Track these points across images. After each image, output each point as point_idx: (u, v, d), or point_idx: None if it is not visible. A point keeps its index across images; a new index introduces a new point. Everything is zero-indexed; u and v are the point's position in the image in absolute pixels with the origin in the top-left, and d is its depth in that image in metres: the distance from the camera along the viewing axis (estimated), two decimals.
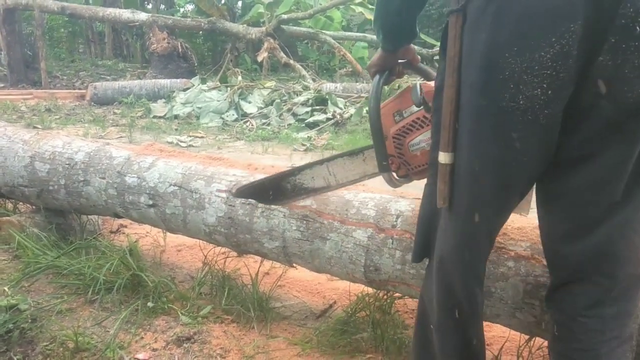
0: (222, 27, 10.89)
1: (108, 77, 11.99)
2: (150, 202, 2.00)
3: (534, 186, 1.02)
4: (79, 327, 1.75)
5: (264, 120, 7.21)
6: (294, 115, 7.21)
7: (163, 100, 8.58)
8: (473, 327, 1.12)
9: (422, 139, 1.27)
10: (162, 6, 16.05)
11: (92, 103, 8.84)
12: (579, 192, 0.94)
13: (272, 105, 7.57)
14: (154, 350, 1.68)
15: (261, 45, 10.50)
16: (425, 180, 1.17)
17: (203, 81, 8.81)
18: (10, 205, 2.78)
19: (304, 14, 10.87)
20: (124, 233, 2.75)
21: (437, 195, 1.02)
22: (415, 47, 1.47)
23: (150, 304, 1.89)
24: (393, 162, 1.32)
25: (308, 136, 6.30)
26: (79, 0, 13.96)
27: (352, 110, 7.04)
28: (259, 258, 2.02)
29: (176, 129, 6.85)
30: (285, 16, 10.66)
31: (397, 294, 1.77)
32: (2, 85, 10.84)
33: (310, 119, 6.99)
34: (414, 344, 1.26)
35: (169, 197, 1.95)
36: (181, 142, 5.93)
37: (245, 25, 11.40)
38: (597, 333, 0.98)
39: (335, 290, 2.15)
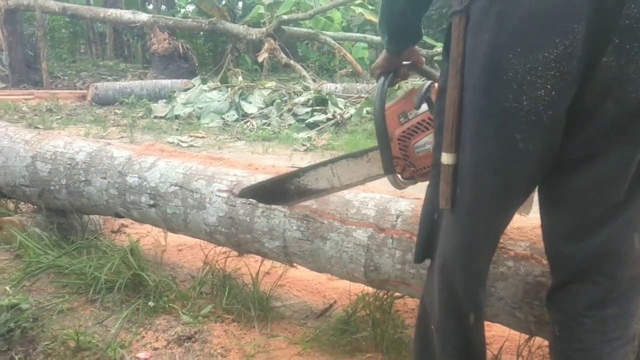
0: (223, 27, 10.90)
1: (109, 78, 12.01)
2: (151, 202, 2.00)
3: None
4: (80, 326, 1.75)
5: (264, 121, 7.22)
6: (295, 115, 7.21)
7: (164, 100, 8.59)
8: (475, 328, 1.12)
9: (427, 140, 1.26)
10: (163, 7, 16.08)
11: (93, 103, 8.85)
12: (581, 192, 0.94)
13: (272, 105, 7.58)
14: (155, 349, 1.69)
15: (262, 46, 10.50)
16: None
17: (204, 81, 8.82)
18: (11, 205, 2.79)
19: (304, 15, 10.88)
20: (125, 233, 2.76)
21: (440, 196, 1.02)
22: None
23: (151, 303, 1.89)
24: (398, 164, 1.32)
25: (308, 136, 6.30)
26: (80, 1, 13.99)
27: (352, 111, 7.05)
28: (259, 258, 2.02)
29: (177, 129, 6.85)
30: (285, 17, 10.66)
31: (397, 294, 1.77)
32: (3, 85, 10.86)
33: (311, 119, 7.00)
34: (415, 344, 1.26)
35: (170, 197, 1.95)
36: (182, 142, 5.94)
37: (245, 25, 11.41)
38: (598, 333, 0.98)
39: (335, 290, 2.16)
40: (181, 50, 11.06)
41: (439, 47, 9.15)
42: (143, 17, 11.02)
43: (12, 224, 2.41)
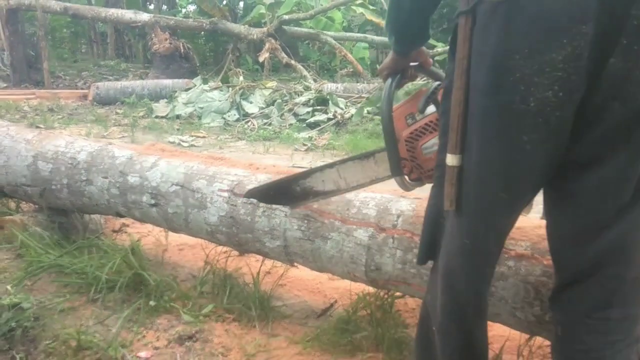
0: (224, 27, 10.91)
1: (110, 77, 12.02)
2: (153, 202, 2.01)
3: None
4: (81, 325, 1.76)
5: (265, 120, 7.22)
6: (295, 115, 7.22)
7: (165, 100, 8.59)
8: (477, 330, 1.11)
9: (435, 142, 1.24)
10: (164, 7, 16.09)
11: (95, 103, 8.86)
12: (588, 194, 0.93)
13: (273, 105, 7.58)
14: (156, 348, 1.69)
15: (262, 46, 10.50)
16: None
17: (205, 81, 8.82)
18: (13, 205, 2.79)
19: (305, 15, 10.88)
20: (126, 232, 2.76)
21: (445, 197, 1.01)
22: None
23: (152, 303, 1.89)
24: (405, 166, 1.30)
25: (309, 136, 6.31)
26: (82, 1, 14.00)
27: (353, 111, 7.05)
28: (260, 257, 2.02)
29: (178, 129, 6.86)
30: (286, 17, 10.66)
31: (397, 293, 1.77)
32: (5, 85, 10.87)
33: (312, 119, 7.00)
34: (416, 345, 1.26)
35: (171, 196, 1.96)
36: (183, 142, 5.94)
37: (246, 25, 11.41)
38: (602, 335, 0.97)
39: (336, 290, 2.16)
40: (182, 50, 11.06)
41: (440, 47, 9.14)
42: (144, 17, 11.03)
43: (13, 223, 2.41)
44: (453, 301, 1.07)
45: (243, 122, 7.17)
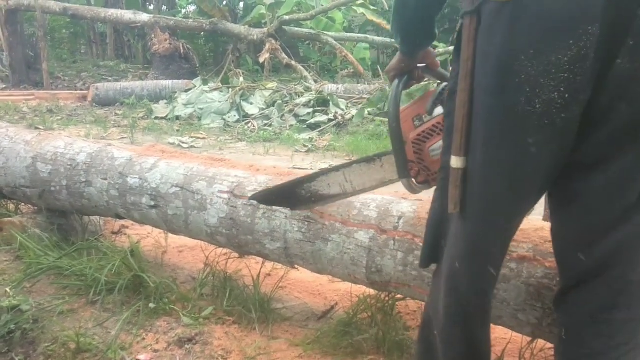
0: (224, 28, 10.90)
1: (110, 78, 12.01)
2: (152, 203, 2.00)
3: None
4: (80, 328, 1.75)
5: (265, 122, 7.22)
6: (296, 116, 7.21)
7: (165, 101, 8.59)
8: (480, 333, 1.10)
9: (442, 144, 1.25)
10: (164, 7, 16.08)
11: (94, 104, 8.85)
12: (594, 195, 0.92)
13: (273, 106, 7.58)
14: (156, 351, 1.68)
15: (263, 47, 10.50)
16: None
17: (205, 82, 8.82)
18: (12, 206, 2.79)
19: (305, 15, 10.87)
20: (125, 234, 2.76)
21: (449, 200, 1.00)
22: None
23: (151, 305, 1.89)
24: (412, 168, 1.29)
25: (310, 137, 6.30)
26: (81, 1, 14.00)
27: (353, 112, 7.04)
28: (260, 259, 2.02)
29: (178, 130, 6.85)
30: (286, 17, 10.66)
31: (398, 296, 1.77)
32: (4, 86, 10.86)
33: (312, 120, 7.00)
34: (417, 349, 1.25)
35: (170, 198, 1.95)
36: (183, 143, 5.94)
37: (247, 26, 11.40)
38: (606, 338, 0.96)
39: (336, 292, 2.15)
40: (182, 51, 11.05)
41: (441, 48, 9.14)
42: (144, 17, 11.03)
43: (12, 225, 2.40)
44: (457, 304, 1.06)
45: (243, 123, 7.16)
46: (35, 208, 2.58)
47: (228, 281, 2.04)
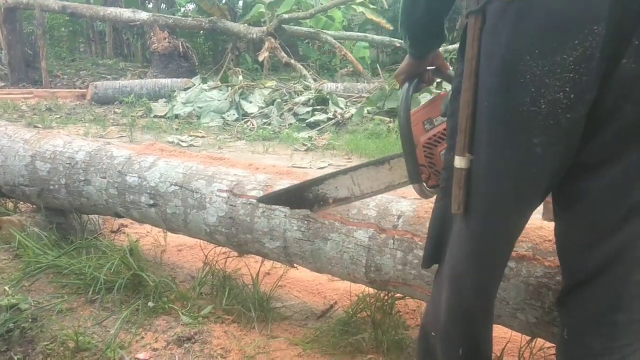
0: (223, 26, 10.89)
1: (109, 77, 12.00)
2: (151, 202, 2.00)
3: None
4: (79, 326, 1.74)
5: (264, 120, 7.22)
6: (295, 115, 7.21)
7: (164, 99, 8.59)
8: (482, 334, 1.10)
9: None
10: (163, 5, 16.05)
11: (93, 102, 8.85)
12: (598, 194, 0.92)
13: (273, 104, 7.57)
14: (155, 350, 1.68)
15: (262, 45, 10.49)
16: None
17: (204, 81, 8.81)
18: (10, 205, 2.78)
19: (305, 14, 10.86)
20: (124, 233, 2.75)
21: (452, 200, 0.99)
22: None
23: (150, 304, 1.88)
24: (423, 172, 1.27)
25: (309, 136, 6.30)
26: (80, 0, 13.97)
27: (353, 110, 7.04)
28: (259, 258, 2.01)
29: (177, 129, 6.85)
30: (286, 16, 10.65)
31: (398, 295, 1.77)
32: (2, 84, 10.85)
33: (311, 119, 6.99)
34: (417, 350, 1.24)
35: (169, 196, 1.95)
36: (182, 141, 5.93)
37: (246, 24, 11.39)
38: (609, 339, 0.96)
39: (336, 291, 2.15)
40: (181, 49, 11.05)
41: (441, 48, 9.13)
42: (143, 15, 11.01)
43: (11, 223, 2.40)
44: (460, 305, 1.06)
45: (242, 121, 7.16)
46: (34, 206, 2.57)
47: (227, 280, 2.04)
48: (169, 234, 2.40)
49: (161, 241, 2.54)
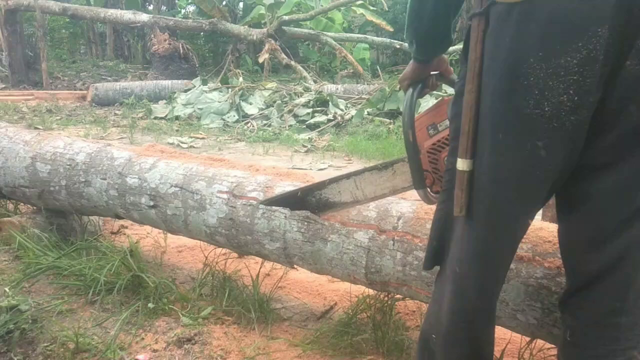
0: (224, 28, 10.91)
1: (109, 78, 12.02)
2: (152, 203, 2.00)
3: None
4: (79, 328, 1.75)
5: (265, 122, 7.23)
6: (295, 116, 7.22)
7: (164, 101, 8.60)
8: (485, 336, 1.10)
9: None
10: (164, 7, 16.07)
11: (93, 104, 8.86)
12: (603, 198, 0.91)
13: (273, 106, 7.58)
14: (155, 351, 1.68)
15: (262, 47, 10.51)
16: None
17: (204, 82, 8.82)
18: (11, 206, 2.79)
19: (305, 16, 10.88)
20: (124, 234, 2.75)
21: (454, 203, 0.99)
22: None
23: (150, 305, 1.88)
24: (427, 178, 1.27)
25: (309, 137, 6.30)
26: (81, 1, 14.00)
27: (353, 112, 7.05)
28: (259, 259, 2.01)
29: (177, 130, 6.85)
30: (286, 17, 10.67)
31: (398, 296, 1.77)
32: (3, 86, 10.86)
33: (311, 121, 7.00)
34: (418, 352, 1.24)
35: (170, 198, 1.95)
36: (182, 143, 5.93)
37: (246, 26, 11.41)
38: (612, 341, 0.95)
39: (336, 292, 2.15)
40: (181, 51, 11.06)
41: None
42: (143, 17, 11.03)
43: (11, 225, 2.40)
44: (462, 306, 1.05)
45: (242, 123, 7.17)
46: (35, 208, 2.58)
47: (227, 281, 2.04)
48: (169, 235, 2.40)
49: (161, 242, 2.55)
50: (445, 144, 1.22)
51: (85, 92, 9.51)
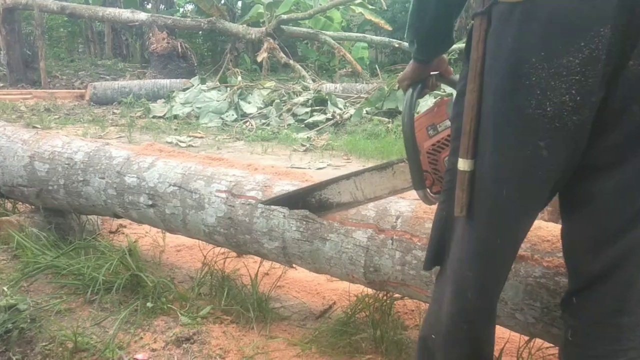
0: (222, 27, 10.90)
1: (107, 77, 12.00)
2: (150, 202, 2.00)
3: None
4: (78, 327, 1.74)
5: (263, 121, 7.22)
6: (294, 115, 7.21)
7: (162, 100, 8.59)
8: (485, 336, 1.10)
9: None
10: (162, 6, 16.05)
11: (92, 103, 8.86)
12: (606, 198, 0.91)
13: (271, 105, 7.58)
14: (153, 350, 1.68)
15: (261, 46, 10.50)
16: None
17: (203, 81, 8.81)
18: (9, 205, 2.78)
19: (303, 14, 10.88)
20: (123, 233, 2.75)
21: (455, 203, 0.99)
22: None
23: (149, 304, 1.88)
24: (427, 178, 1.27)
25: (308, 136, 6.30)
26: (79, 0, 13.96)
27: (351, 111, 7.05)
28: (258, 258, 2.01)
29: (176, 129, 6.85)
30: (285, 16, 10.66)
31: (396, 295, 1.77)
32: (1, 84, 10.84)
33: (310, 120, 7.00)
34: (417, 352, 1.24)
35: (168, 197, 1.95)
36: (181, 142, 5.93)
37: (245, 25, 11.41)
38: (614, 342, 0.95)
39: (334, 291, 2.15)
40: (180, 50, 11.06)
41: None
42: (142, 16, 11.02)
43: (9, 224, 2.40)
44: (463, 308, 1.05)
45: (241, 122, 7.16)
46: (33, 207, 2.57)
47: (226, 280, 2.04)
48: (167, 234, 2.39)
49: (160, 242, 2.54)
50: (445, 145, 1.22)
51: (83, 91, 9.50)
